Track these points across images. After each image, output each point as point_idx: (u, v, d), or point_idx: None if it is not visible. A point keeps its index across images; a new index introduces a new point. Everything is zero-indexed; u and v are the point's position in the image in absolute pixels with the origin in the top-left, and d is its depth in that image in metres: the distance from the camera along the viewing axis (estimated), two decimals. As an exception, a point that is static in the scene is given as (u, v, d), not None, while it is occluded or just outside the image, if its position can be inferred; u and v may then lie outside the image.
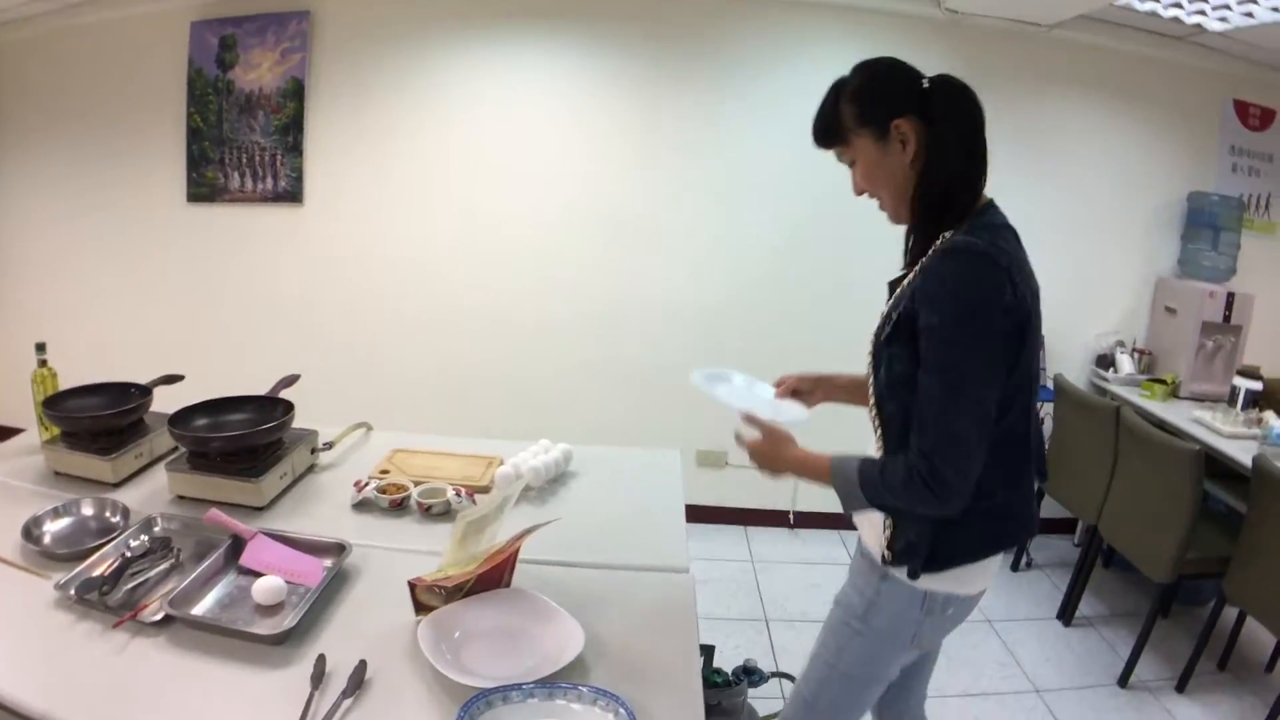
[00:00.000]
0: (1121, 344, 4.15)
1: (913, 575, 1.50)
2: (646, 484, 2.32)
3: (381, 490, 2.07)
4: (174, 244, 4.44)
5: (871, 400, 1.53)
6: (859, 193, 1.55)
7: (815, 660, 1.73)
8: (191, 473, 2.03)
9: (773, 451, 1.61)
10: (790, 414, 1.76)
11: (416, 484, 2.11)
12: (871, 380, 1.52)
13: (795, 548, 4.11)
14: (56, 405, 2.28)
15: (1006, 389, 1.39)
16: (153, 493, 2.09)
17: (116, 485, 2.12)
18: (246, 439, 2.06)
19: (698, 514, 3.61)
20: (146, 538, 1.79)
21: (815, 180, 3.40)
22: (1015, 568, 4.00)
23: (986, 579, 1.60)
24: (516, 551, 1.63)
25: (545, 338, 4.23)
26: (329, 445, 2.37)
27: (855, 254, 3.72)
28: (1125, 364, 4.06)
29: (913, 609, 1.55)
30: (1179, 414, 3.58)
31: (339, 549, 1.77)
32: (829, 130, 1.51)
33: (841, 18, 3.85)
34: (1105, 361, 4.15)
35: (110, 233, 4.59)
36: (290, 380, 2.57)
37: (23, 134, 4.84)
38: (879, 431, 1.53)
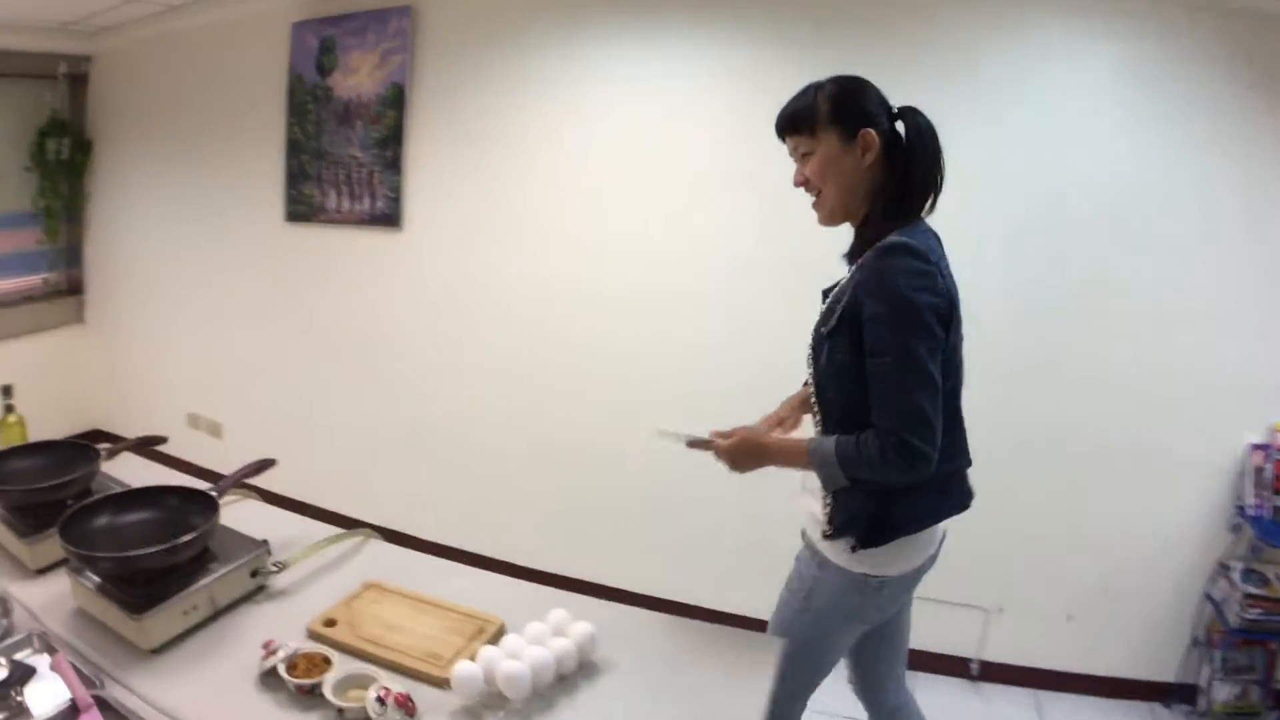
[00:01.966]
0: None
1: (861, 545, 1.60)
2: (727, 687, 1.49)
3: (291, 665, 1.37)
4: (267, 266, 4.08)
5: (813, 388, 1.65)
6: (801, 183, 1.66)
7: (779, 631, 1.80)
8: (91, 586, 1.52)
9: (745, 447, 1.66)
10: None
11: (360, 654, 1.43)
12: (812, 369, 1.65)
13: (975, 706, 3.09)
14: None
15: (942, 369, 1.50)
16: (66, 593, 1.61)
17: (38, 573, 1.70)
18: (131, 563, 1.48)
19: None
20: (6, 664, 1.36)
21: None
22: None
23: (920, 556, 1.68)
24: None
25: (673, 408, 3.19)
26: (280, 566, 1.69)
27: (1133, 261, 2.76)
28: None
29: (849, 592, 1.67)
30: None
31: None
32: (801, 119, 1.60)
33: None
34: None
35: (207, 248, 4.33)
36: (262, 466, 2.01)
37: (120, 143, 4.69)
38: (818, 416, 1.65)
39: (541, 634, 1.45)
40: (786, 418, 1.95)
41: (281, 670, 1.34)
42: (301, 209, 3.78)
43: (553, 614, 1.50)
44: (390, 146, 3.50)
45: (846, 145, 1.57)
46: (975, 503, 1.71)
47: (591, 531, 3.44)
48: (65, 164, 4.61)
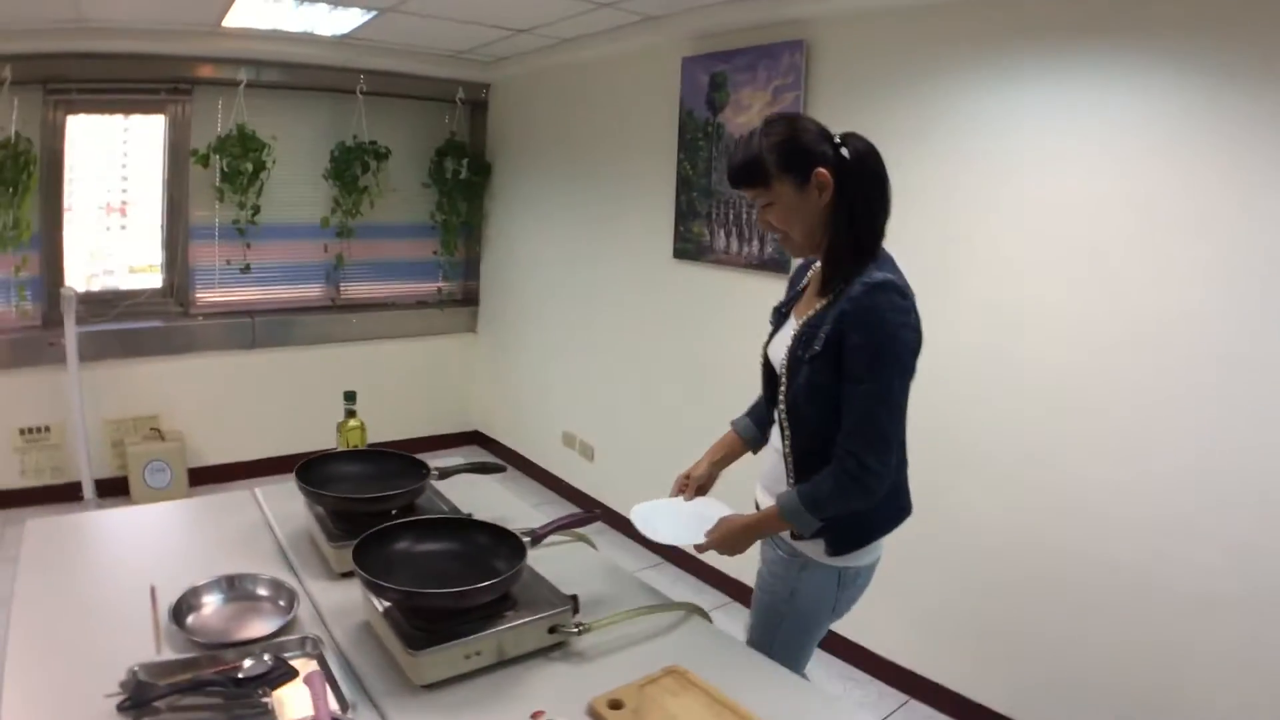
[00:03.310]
0: None
1: (833, 553, 1.77)
2: None
3: (557, 752, 1.23)
4: (651, 300, 4.18)
5: (783, 405, 1.77)
6: (767, 229, 1.73)
7: (753, 641, 1.91)
8: (378, 606, 1.54)
9: (733, 535, 1.81)
10: (718, 511, 1.92)
11: None
12: (786, 388, 1.75)
13: None
14: (320, 468, 2.01)
15: None
16: (359, 604, 1.65)
17: (341, 576, 1.78)
18: (415, 599, 1.48)
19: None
20: (270, 661, 1.38)
21: None
22: None
23: (880, 548, 1.86)
24: None
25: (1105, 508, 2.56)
26: (582, 629, 1.58)
27: None
28: None
29: (830, 587, 1.82)
30: None
31: None
32: (753, 173, 1.66)
33: None
34: None
35: (594, 275, 4.57)
36: (586, 519, 1.94)
37: (513, 166, 5.18)
38: (788, 430, 1.77)
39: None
40: (706, 478, 2.05)
41: (546, 752, 1.23)
42: (689, 247, 3.81)
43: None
44: (778, 187, 3.38)
45: (802, 190, 1.65)
46: None
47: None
48: (463, 183, 5.20)
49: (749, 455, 2.09)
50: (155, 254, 4.54)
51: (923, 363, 1.70)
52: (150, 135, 4.37)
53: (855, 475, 1.62)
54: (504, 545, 1.63)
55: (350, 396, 2.35)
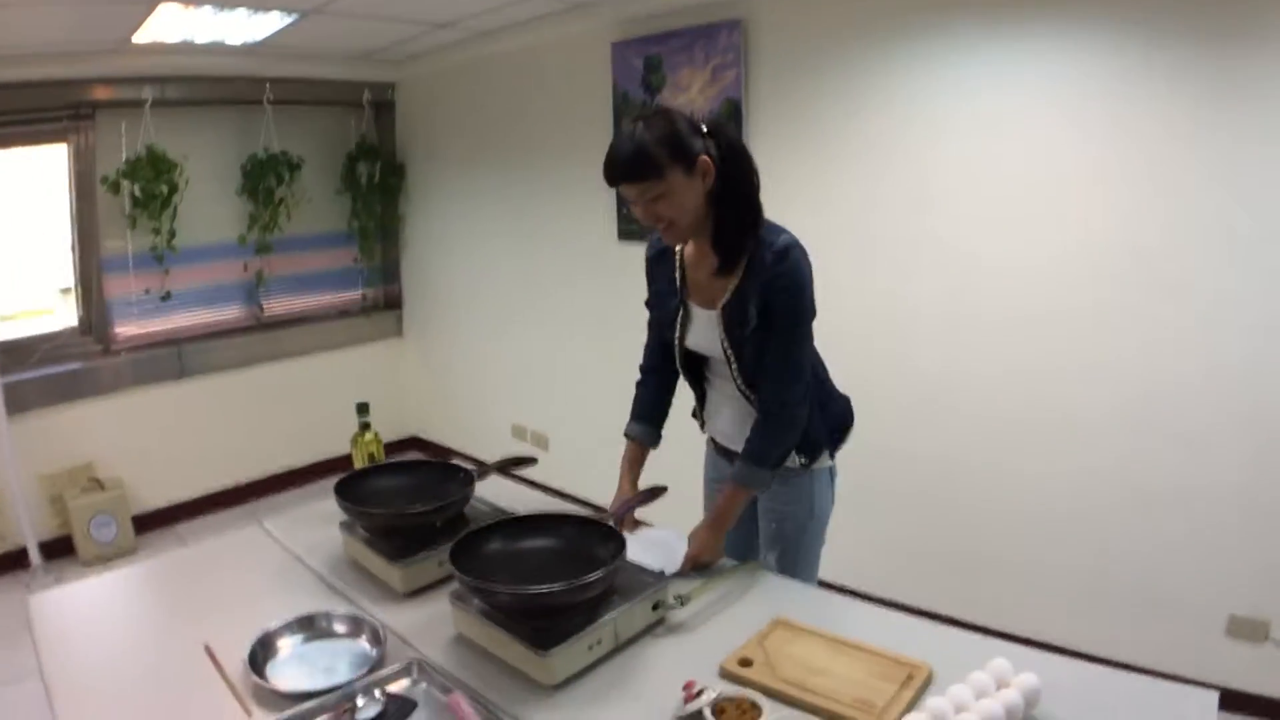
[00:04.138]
0: None
1: (834, 452, 2.04)
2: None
3: (719, 710, 1.31)
4: (597, 283, 4.22)
5: (739, 381, 1.92)
6: (656, 221, 1.76)
7: (789, 560, 2.03)
8: (477, 613, 1.54)
9: (711, 542, 1.90)
10: (668, 535, 1.94)
11: (782, 697, 1.36)
12: (737, 366, 1.90)
13: None
14: (355, 486, 1.95)
15: None
16: (439, 618, 1.64)
17: (406, 596, 1.75)
18: (537, 598, 1.44)
19: (1229, 702, 2.27)
20: (382, 697, 1.36)
21: None
22: None
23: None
24: None
25: (1061, 441, 2.91)
26: (682, 600, 1.65)
27: None
28: None
29: (829, 486, 2.05)
30: None
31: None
32: (645, 167, 1.69)
33: None
34: None
35: (530, 265, 4.58)
36: (654, 494, 2.02)
37: (429, 165, 5.13)
38: (750, 394, 1.92)
39: (984, 685, 1.30)
40: (630, 495, 2.05)
41: (708, 714, 1.29)
42: (635, 226, 3.85)
43: (993, 662, 1.34)
44: (724, 163, 3.47)
45: (689, 177, 1.72)
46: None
47: (1001, 578, 3.13)
48: (377, 186, 5.11)
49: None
50: (47, 294, 4.31)
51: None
52: (23, 167, 4.10)
53: (778, 415, 1.85)
54: (594, 534, 1.66)
55: (363, 409, 2.34)
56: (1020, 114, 2.81)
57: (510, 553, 1.64)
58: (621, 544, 1.57)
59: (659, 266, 2.03)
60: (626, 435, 2.18)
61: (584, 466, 4.10)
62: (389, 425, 5.52)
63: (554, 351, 4.56)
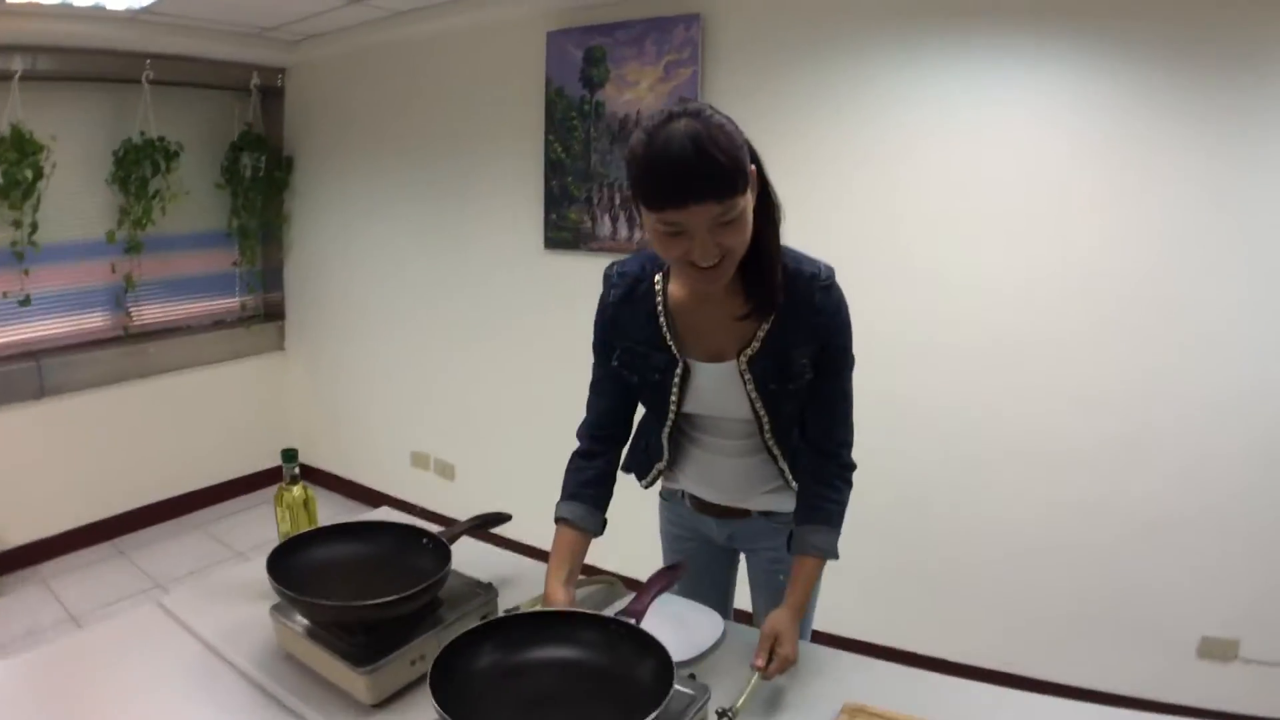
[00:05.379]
0: None
1: None
2: None
3: None
4: (520, 299, 3.85)
5: (769, 439, 1.60)
6: (718, 255, 1.29)
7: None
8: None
9: (795, 627, 1.48)
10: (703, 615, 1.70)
11: None
12: (770, 423, 1.57)
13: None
14: (291, 557, 1.56)
15: None
16: None
17: (374, 708, 1.37)
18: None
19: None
20: None
21: None
22: None
23: None
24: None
25: (1033, 470, 2.79)
26: (732, 715, 1.35)
27: None
28: None
29: None
30: None
31: None
32: (736, 178, 1.24)
33: None
34: None
35: (436, 276, 4.17)
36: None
37: (321, 160, 4.63)
38: (778, 451, 1.62)
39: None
40: (564, 599, 1.54)
41: None
42: (565, 235, 3.54)
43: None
44: (673, 167, 3.19)
45: (752, 193, 1.32)
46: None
47: (976, 611, 2.98)
48: (261, 181, 4.59)
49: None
50: None
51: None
52: None
53: (839, 459, 1.59)
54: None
55: (290, 456, 1.87)
56: (1000, 125, 2.68)
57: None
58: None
59: (627, 313, 1.57)
60: (562, 519, 1.62)
61: (493, 501, 3.75)
62: (267, 454, 4.88)
63: (463, 371, 4.14)
